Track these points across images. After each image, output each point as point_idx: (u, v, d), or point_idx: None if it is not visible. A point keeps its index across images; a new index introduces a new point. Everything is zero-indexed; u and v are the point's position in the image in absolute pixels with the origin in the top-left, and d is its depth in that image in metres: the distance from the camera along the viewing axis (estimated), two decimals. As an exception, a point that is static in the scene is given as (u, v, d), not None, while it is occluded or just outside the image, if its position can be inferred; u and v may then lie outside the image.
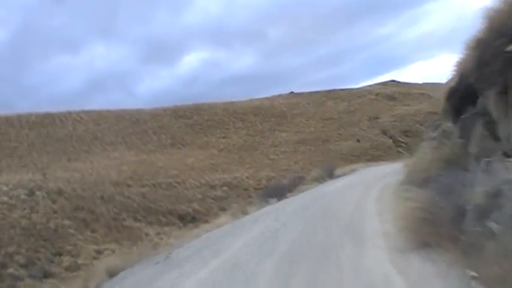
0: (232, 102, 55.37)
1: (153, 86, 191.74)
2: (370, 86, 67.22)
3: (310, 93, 58.95)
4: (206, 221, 27.41)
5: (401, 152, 41.14)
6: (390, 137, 43.17)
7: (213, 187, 31.37)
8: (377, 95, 58.20)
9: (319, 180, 24.67)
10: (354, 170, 29.55)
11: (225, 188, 31.18)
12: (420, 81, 79.52)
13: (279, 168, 34.32)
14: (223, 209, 28.49)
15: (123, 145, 43.61)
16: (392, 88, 63.91)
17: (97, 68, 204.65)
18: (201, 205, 28.60)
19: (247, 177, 32.69)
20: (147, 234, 24.50)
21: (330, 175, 26.20)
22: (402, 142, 42.89)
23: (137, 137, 45.40)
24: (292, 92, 60.68)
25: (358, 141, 40.85)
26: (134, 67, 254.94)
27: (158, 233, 24.69)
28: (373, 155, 38.95)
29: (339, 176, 26.34)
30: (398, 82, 72.02)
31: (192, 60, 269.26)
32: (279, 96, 58.96)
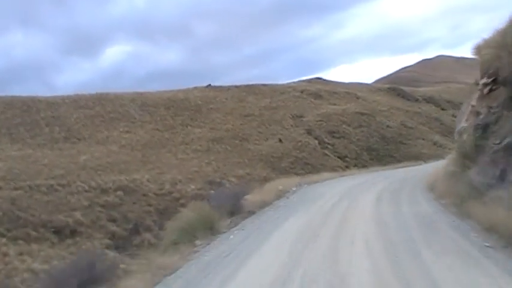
0: (141, 93, 50.01)
1: (74, 78, 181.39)
2: (294, 82, 63.98)
3: (230, 88, 54.54)
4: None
5: (328, 155, 37.60)
6: (315, 138, 39.58)
7: (105, 191, 26.12)
8: (302, 92, 54.77)
9: (192, 238, 10.82)
10: (283, 199, 17.87)
11: (119, 192, 26.01)
12: (345, 80, 77.62)
13: (187, 171, 29.56)
14: (113, 220, 23.40)
15: (7, 137, 37.24)
16: (318, 86, 60.93)
17: (15, 56, 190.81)
18: (85, 215, 23.30)
19: (148, 180, 27.67)
20: (5, 255, 18.98)
21: (233, 211, 13.79)
22: (328, 144, 39.40)
23: (26, 128, 39.06)
24: (209, 85, 55.92)
25: (280, 141, 36.91)
26: (54, 57, 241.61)
27: (21, 253, 19.24)
28: (297, 157, 35.17)
29: (244, 218, 13.53)
30: (324, 80, 69.29)
31: (116, 53, 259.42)
32: (195, 88, 54.03)
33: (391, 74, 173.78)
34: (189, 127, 40.64)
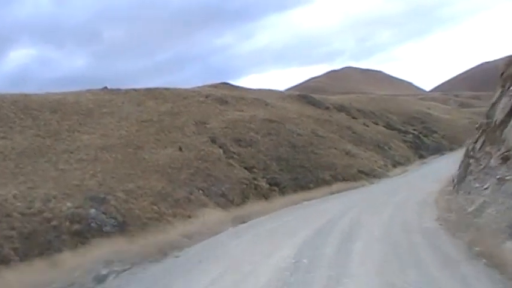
0: (26, 95, 44.39)
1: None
2: (199, 87, 60.49)
3: (128, 91, 50.12)
4: None
5: (233, 165, 34.38)
6: (220, 146, 36.28)
7: (-44, 210, 21.15)
8: (207, 97, 51.41)
9: None
10: None
11: (-25, 212, 21.12)
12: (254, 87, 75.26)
13: (66, 184, 25.06)
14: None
15: None
16: (224, 91, 57.95)
17: None
18: None
19: (15, 197, 22.91)
20: None
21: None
22: (234, 153, 36.19)
23: None
24: (105, 88, 51.17)
25: (180, 149, 33.28)
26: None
27: None
28: (199, 168, 31.71)
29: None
30: (230, 85, 66.48)
31: (20, 56, 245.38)
32: (89, 91, 49.08)
33: (299, 84, 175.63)
34: (76, 133, 35.92)
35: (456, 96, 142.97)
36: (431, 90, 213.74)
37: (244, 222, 21.82)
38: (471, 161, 12.90)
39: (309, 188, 34.47)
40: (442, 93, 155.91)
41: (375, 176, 40.72)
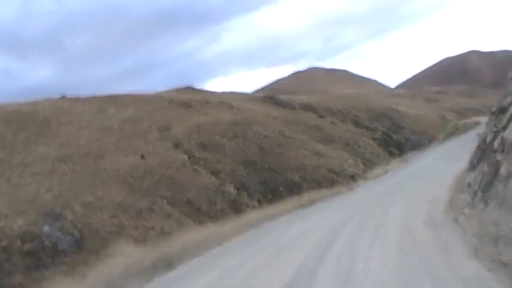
0: (-22, 108, 42.32)
1: None
2: (162, 92, 58.99)
3: (88, 99, 48.48)
4: None
5: (199, 171, 33.12)
6: (185, 152, 34.97)
7: None
8: (170, 102, 49.94)
9: None
10: None
11: None
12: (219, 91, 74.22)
13: (19, 200, 23.47)
14: None
15: None
16: (188, 95, 56.59)
17: None
18: None
19: (-39, 217, 21.26)
20: None
21: None
22: (199, 158, 34.94)
23: None
24: (64, 96, 49.31)
25: (142, 157, 31.85)
26: None
27: None
28: (163, 176, 30.43)
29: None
30: (194, 89, 65.10)
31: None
32: (46, 100, 47.17)
33: (266, 86, 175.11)
34: (32, 145, 34.16)
35: (421, 91, 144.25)
36: (397, 87, 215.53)
37: (169, 267, 14.70)
38: (500, 157, 8.98)
39: (278, 192, 33.40)
40: (407, 90, 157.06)
41: (348, 177, 39.37)
